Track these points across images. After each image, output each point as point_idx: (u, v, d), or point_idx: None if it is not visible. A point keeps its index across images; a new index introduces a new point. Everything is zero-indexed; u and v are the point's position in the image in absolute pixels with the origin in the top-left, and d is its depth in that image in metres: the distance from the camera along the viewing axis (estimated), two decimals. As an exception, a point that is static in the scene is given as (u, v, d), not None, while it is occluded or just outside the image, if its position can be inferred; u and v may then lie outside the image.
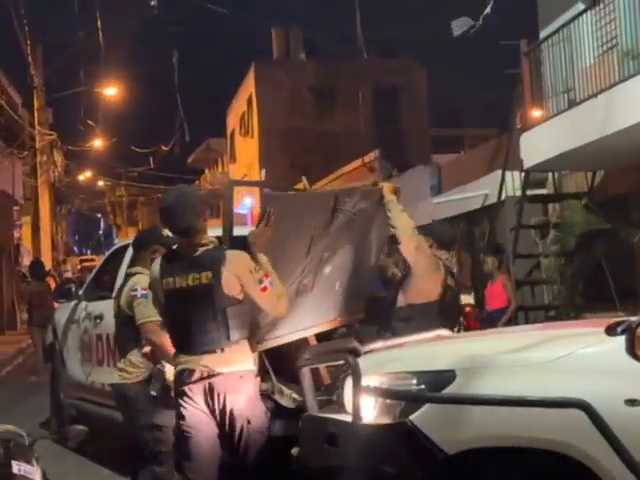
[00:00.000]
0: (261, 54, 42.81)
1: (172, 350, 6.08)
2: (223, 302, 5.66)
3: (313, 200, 7.50)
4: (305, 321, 7.03)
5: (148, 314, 6.45)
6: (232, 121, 48.40)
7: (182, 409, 5.72)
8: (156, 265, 5.95)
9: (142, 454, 6.56)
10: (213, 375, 5.59)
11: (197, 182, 57.39)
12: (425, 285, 7.18)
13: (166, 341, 6.46)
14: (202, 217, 5.91)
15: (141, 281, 6.59)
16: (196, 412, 5.67)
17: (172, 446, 6.24)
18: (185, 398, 5.71)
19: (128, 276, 6.83)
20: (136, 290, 6.55)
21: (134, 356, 6.56)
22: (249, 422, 5.63)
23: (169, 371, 6.26)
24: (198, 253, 5.77)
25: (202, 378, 5.63)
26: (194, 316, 5.70)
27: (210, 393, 5.61)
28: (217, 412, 5.61)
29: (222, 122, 50.47)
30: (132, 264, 7.04)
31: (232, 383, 5.62)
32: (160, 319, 6.29)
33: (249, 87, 42.55)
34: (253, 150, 41.59)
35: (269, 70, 41.33)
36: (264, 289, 5.76)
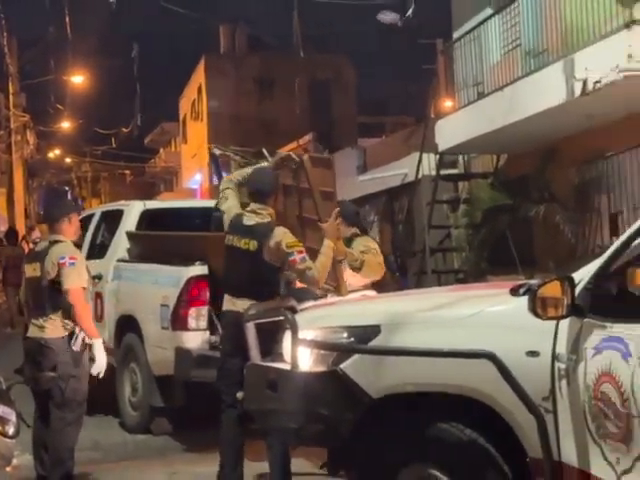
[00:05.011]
0: (210, 48, 42.36)
1: (91, 315, 6.59)
2: (262, 266, 6.20)
3: None
4: None
5: (76, 281, 6.34)
6: (184, 107, 47.96)
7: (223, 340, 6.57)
8: (233, 216, 6.45)
9: (53, 401, 6.35)
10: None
11: (153, 160, 56.89)
12: None
13: (88, 307, 6.48)
14: (269, 195, 6.41)
15: (67, 250, 6.43)
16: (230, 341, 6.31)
17: (84, 396, 6.40)
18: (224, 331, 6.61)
19: (51, 244, 6.49)
20: (64, 258, 6.32)
21: (57, 316, 6.36)
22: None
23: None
24: (254, 223, 6.28)
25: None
26: (242, 270, 6.30)
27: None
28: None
29: (175, 108, 49.99)
30: (52, 232, 6.67)
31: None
32: (86, 286, 6.46)
33: (199, 77, 42.21)
34: (202, 133, 41.28)
35: (217, 62, 41.05)
36: (293, 261, 6.12)
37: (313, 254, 6.36)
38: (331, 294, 6.71)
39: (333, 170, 7.42)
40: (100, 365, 6.43)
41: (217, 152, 7.14)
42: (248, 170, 6.86)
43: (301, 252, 6.14)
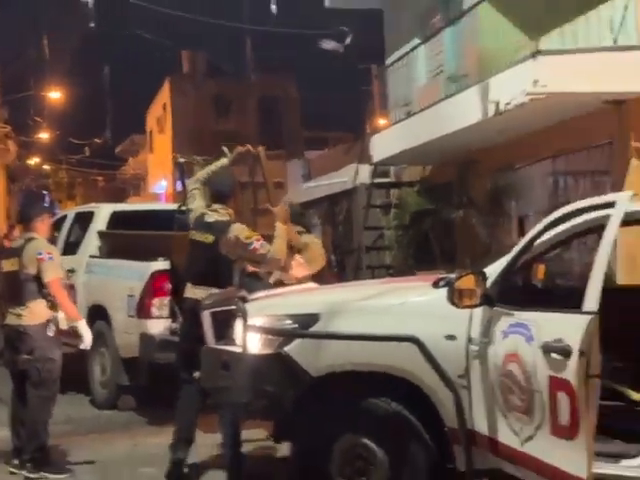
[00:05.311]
0: (173, 69, 42.10)
1: (71, 304, 6.43)
2: (218, 258, 6.09)
3: None
4: None
5: (55, 274, 6.28)
6: (150, 121, 47.54)
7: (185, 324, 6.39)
8: (198, 215, 6.31)
9: (30, 381, 6.26)
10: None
11: (123, 168, 56.35)
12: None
13: (67, 296, 6.45)
14: (228, 197, 6.32)
15: (43, 245, 6.35)
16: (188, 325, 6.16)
17: (58, 375, 6.29)
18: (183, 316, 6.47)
19: (27, 241, 6.36)
20: (41, 253, 6.23)
21: (35, 305, 6.28)
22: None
23: (62, 318, 6.29)
24: (213, 220, 6.18)
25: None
26: (201, 262, 6.19)
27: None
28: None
29: (143, 122, 49.59)
30: (26, 230, 6.54)
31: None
32: (62, 277, 6.40)
33: (165, 96, 41.91)
34: (167, 144, 41.00)
35: (180, 83, 40.85)
36: (254, 250, 6.04)
37: (269, 239, 6.38)
38: (278, 274, 6.72)
39: (284, 161, 7.48)
40: (87, 342, 6.39)
41: (182, 160, 7.09)
42: (212, 167, 6.82)
43: (259, 240, 6.13)
